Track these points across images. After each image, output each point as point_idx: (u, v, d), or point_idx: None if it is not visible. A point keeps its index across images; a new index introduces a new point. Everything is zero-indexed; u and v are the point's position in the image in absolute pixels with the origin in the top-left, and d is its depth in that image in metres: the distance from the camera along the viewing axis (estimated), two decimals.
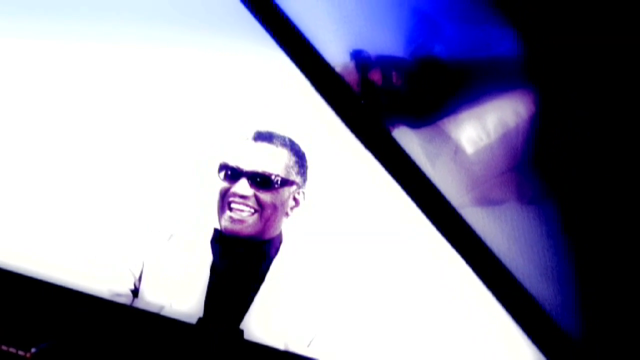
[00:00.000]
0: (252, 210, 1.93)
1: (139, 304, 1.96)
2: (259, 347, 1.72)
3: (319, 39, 1.74)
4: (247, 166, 1.95)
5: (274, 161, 1.95)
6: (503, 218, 1.78)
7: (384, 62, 1.76)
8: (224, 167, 1.97)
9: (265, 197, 1.93)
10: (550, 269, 1.79)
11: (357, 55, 1.76)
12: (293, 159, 1.99)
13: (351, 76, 1.74)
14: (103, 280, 2.00)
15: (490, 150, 1.73)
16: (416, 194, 1.70)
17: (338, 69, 1.75)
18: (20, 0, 2.53)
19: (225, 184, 1.97)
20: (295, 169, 2.00)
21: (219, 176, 1.97)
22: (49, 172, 2.48)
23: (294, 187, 2.00)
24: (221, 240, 1.94)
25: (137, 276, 1.98)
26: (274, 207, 1.94)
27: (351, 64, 1.75)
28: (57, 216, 2.45)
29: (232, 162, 1.96)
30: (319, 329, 1.92)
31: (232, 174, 1.95)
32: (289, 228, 2.02)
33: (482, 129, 1.70)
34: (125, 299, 1.95)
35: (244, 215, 1.93)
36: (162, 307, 1.92)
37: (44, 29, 2.49)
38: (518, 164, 1.75)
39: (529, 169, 1.74)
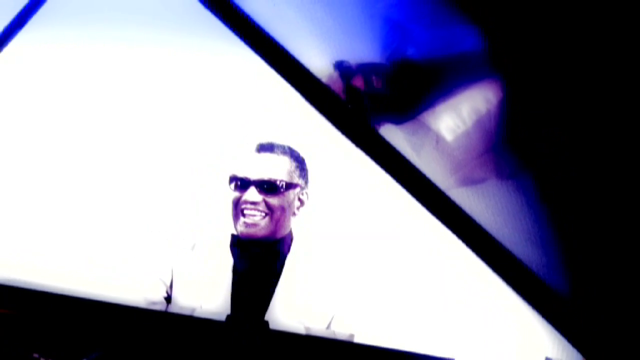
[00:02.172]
0: (263, 214, 2.14)
1: (173, 309, 2.17)
2: (283, 335, 1.91)
3: (304, 56, 1.93)
4: (254, 175, 2.15)
5: (277, 168, 2.16)
6: (486, 194, 1.96)
7: (364, 69, 1.95)
8: (233, 178, 2.18)
9: (274, 201, 2.14)
10: (533, 235, 1.96)
11: (340, 66, 1.95)
12: (294, 164, 2.19)
13: (337, 85, 1.94)
14: (139, 291, 2.21)
15: (467, 135, 1.91)
16: (406, 182, 1.89)
17: (324, 80, 1.94)
18: None
19: (236, 194, 2.17)
20: (297, 172, 2.19)
21: (230, 187, 2.18)
22: (74, 190, 2.57)
23: (298, 189, 2.20)
24: (239, 244, 2.14)
25: (169, 284, 2.18)
26: (282, 209, 2.15)
27: (335, 74, 1.94)
28: (90, 236, 2.57)
29: (240, 174, 2.16)
30: (334, 311, 2.12)
31: (242, 184, 2.15)
32: (298, 227, 2.22)
33: (458, 118, 1.89)
34: (161, 306, 2.15)
35: (256, 220, 2.13)
36: (193, 309, 2.12)
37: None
38: (493, 145, 1.93)
39: (503, 148, 1.92)
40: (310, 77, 1.92)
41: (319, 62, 1.93)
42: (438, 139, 1.95)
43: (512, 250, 1.99)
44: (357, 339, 2.13)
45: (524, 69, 1.85)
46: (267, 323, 2.05)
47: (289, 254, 2.19)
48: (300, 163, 2.22)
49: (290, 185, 2.17)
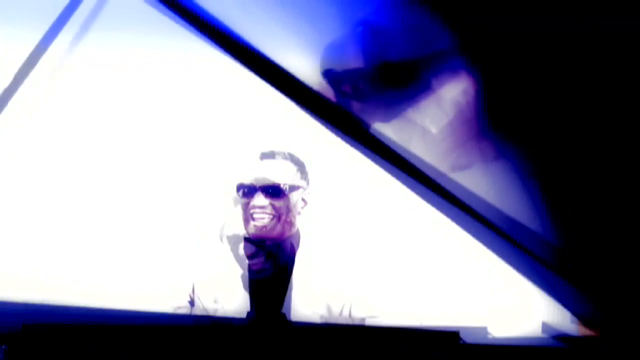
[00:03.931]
0: (271, 216, 2.31)
1: (196, 311, 2.34)
2: (302, 326, 2.06)
3: (298, 69, 2.08)
4: (259, 182, 2.32)
5: (280, 173, 2.33)
6: (474, 178, 2.10)
7: (351, 75, 2.10)
8: (240, 186, 2.35)
9: (280, 203, 2.31)
10: (521, 210, 2.11)
11: (329, 75, 2.10)
12: (295, 167, 2.37)
13: (328, 92, 2.09)
14: (165, 299, 2.38)
15: (450, 126, 2.07)
16: (399, 174, 2.05)
17: (316, 88, 2.10)
18: None
19: (245, 200, 2.34)
20: (298, 175, 2.36)
21: (239, 194, 2.35)
22: (75, 197, 2.63)
23: (301, 190, 2.37)
24: (252, 245, 2.31)
25: (191, 289, 2.35)
26: (288, 210, 2.32)
27: (325, 83, 2.09)
28: (110, 248, 2.64)
29: (247, 181, 2.34)
30: (347, 299, 2.30)
31: (249, 190, 2.33)
32: (304, 224, 2.38)
33: (440, 111, 2.05)
34: (185, 310, 2.32)
35: (265, 222, 2.30)
36: (216, 310, 2.29)
37: None
38: (475, 132, 2.08)
39: (484, 134, 2.07)
40: (304, 87, 2.07)
41: (310, 72, 2.07)
42: (424, 132, 2.10)
43: (503, 228, 2.13)
44: (372, 320, 2.29)
45: (495, 60, 2.00)
46: (285, 315, 2.23)
47: (298, 250, 2.36)
48: (300, 167, 2.39)
49: (293, 188, 2.33)
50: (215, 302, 2.33)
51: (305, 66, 2.08)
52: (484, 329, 1.93)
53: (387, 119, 2.07)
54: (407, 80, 2.05)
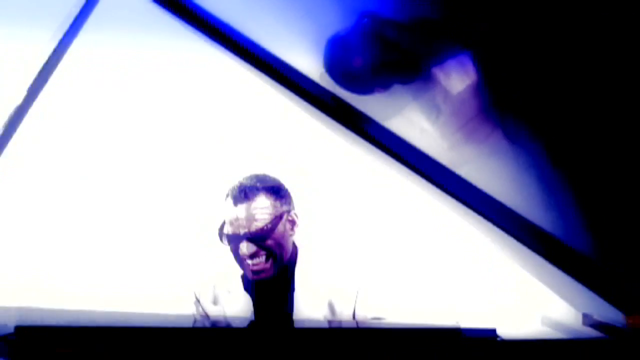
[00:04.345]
0: (265, 257, 2.16)
1: (196, 313, 2.28)
2: (306, 327, 2.00)
3: (300, 62, 2.03)
4: (240, 230, 2.17)
5: (258, 214, 2.16)
6: (479, 171, 2.00)
7: (356, 66, 2.03)
8: (222, 235, 2.21)
9: (269, 243, 2.16)
10: (541, 197, 1.99)
11: (333, 67, 2.04)
12: (271, 198, 2.18)
13: (331, 84, 2.03)
14: (164, 300, 2.40)
15: (453, 105, 1.97)
16: (402, 170, 1.96)
17: (319, 81, 2.04)
18: None
19: (232, 246, 2.20)
20: (278, 203, 2.19)
21: (224, 242, 2.21)
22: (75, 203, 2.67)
23: (285, 216, 2.21)
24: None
25: (190, 290, 2.30)
26: (280, 243, 2.18)
27: (328, 76, 2.03)
28: (112, 254, 2.66)
29: (227, 230, 2.19)
30: (351, 299, 2.20)
31: (232, 239, 2.18)
32: (306, 223, 2.27)
33: (442, 93, 1.95)
34: (185, 312, 2.27)
35: (261, 266, 2.16)
36: (216, 311, 2.24)
37: None
38: (479, 111, 1.97)
39: (487, 112, 1.96)
40: (304, 79, 2.02)
41: (310, 64, 2.02)
42: (438, 112, 2.00)
43: (527, 217, 2.02)
44: (377, 320, 2.20)
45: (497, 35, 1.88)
46: (289, 317, 2.16)
47: (300, 248, 2.27)
48: (276, 192, 2.22)
49: (277, 220, 2.19)
50: (215, 303, 2.29)
51: (308, 59, 2.03)
52: (488, 325, 1.82)
53: (390, 110, 1.99)
54: (412, 71, 1.96)
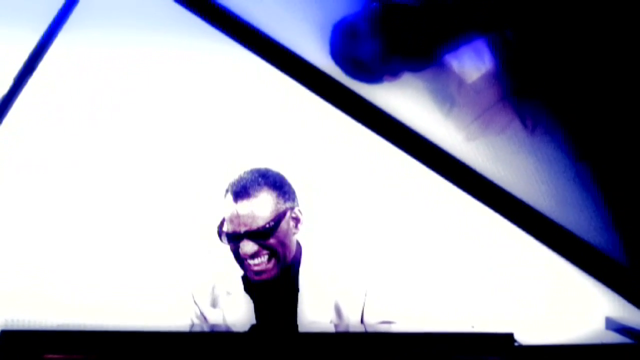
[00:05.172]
0: (267, 257, 2.07)
1: (195, 317, 2.17)
2: (312, 335, 1.91)
3: (307, 48, 1.95)
4: (241, 227, 2.07)
5: (261, 212, 2.06)
6: (510, 160, 1.91)
7: (365, 52, 1.95)
8: (221, 233, 2.11)
9: (271, 241, 2.07)
10: (562, 194, 1.91)
11: (341, 53, 1.96)
12: (274, 194, 2.09)
13: (338, 73, 1.95)
14: (163, 301, 2.32)
15: (471, 91, 1.89)
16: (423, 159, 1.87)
17: (326, 69, 1.95)
18: None
19: (232, 246, 2.10)
20: (281, 199, 2.10)
21: (223, 241, 2.11)
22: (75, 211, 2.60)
23: (288, 213, 2.11)
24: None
25: (189, 292, 2.18)
26: (283, 242, 2.08)
27: (335, 63, 1.95)
28: (114, 264, 2.60)
29: (227, 229, 2.09)
30: (359, 304, 2.08)
31: (233, 237, 2.08)
32: (311, 222, 2.17)
33: (460, 81, 1.88)
34: (183, 315, 2.14)
35: (263, 266, 2.07)
36: (216, 314, 2.11)
37: None
38: (498, 99, 1.90)
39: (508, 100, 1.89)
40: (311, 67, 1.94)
41: (317, 50, 1.95)
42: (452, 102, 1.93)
43: (552, 217, 1.94)
44: (386, 326, 2.11)
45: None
46: (293, 321, 2.07)
47: (304, 246, 2.17)
48: (279, 187, 2.12)
49: (280, 217, 2.09)
50: (214, 306, 2.19)
51: (313, 45, 1.95)
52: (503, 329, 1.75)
53: (400, 100, 1.90)
54: (424, 58, 1.88)
